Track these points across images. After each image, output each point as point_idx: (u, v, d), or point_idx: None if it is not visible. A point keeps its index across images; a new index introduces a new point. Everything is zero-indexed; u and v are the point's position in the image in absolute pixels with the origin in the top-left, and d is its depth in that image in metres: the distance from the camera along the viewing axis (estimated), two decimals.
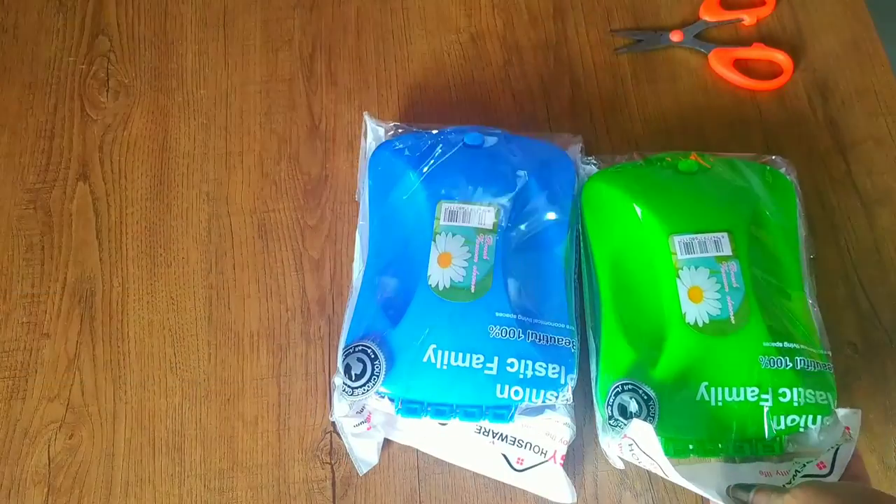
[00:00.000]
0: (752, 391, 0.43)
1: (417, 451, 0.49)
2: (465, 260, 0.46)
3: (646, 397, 0.43)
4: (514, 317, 0.45)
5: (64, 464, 0.50)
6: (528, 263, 0.48)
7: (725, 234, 0.47)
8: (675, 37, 0.61)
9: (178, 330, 0.53)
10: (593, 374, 0.47)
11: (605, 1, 0.63)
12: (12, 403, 0.51)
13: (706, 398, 0.43)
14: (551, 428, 0.45)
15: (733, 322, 0.45)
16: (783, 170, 0.52)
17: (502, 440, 0.46)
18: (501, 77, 0.61)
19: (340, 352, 0.46)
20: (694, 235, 0.47)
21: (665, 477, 0.42)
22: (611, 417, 0.44)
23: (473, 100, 0.60)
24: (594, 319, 0.48)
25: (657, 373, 0.44)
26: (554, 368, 0.45)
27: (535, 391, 0.44)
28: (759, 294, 0.46)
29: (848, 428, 0.42)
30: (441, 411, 0.44)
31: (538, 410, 0.45)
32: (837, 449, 0.42)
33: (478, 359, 0.44)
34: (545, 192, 0.50)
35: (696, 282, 0.46)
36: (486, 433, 0.46)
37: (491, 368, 0.44)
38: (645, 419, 0.42)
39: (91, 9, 0.63)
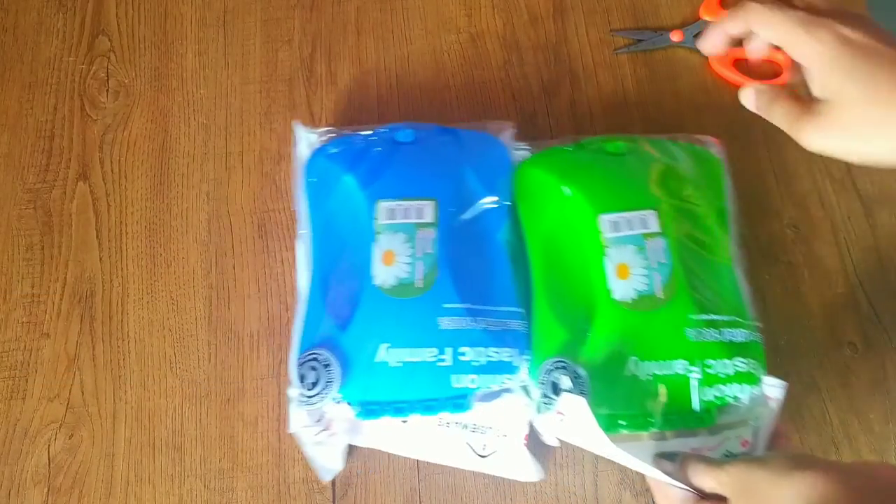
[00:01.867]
0: (681, 364, 0.44)
1: None
2: (409, 256, 0.46)
3: (576, 375, 0.44)
4: (463, 306, 0.45)
5: (64, 464, 0.50)
6: (472, 252, 0.48)
7: (653, 212, 0.47)
8: (675, 37, 0.61)
9: (178, 330, 0.53)
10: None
11: (605, 1, 0.63)
12: (12, 403, 0.51)
13: (635, 372, 0.44)
14: (511, 410, 0.46)
15: (660, 297, 0.45)
16: (713, 149, 0.53)
17: (464, 429, 0.46)
18: (501, 77, 0.61)
19: (293, 363, 0.46)
20: (621, 214, 0.47)
21: (598, 453, 0.42)
22: (544, 396, 0.44)
23: (473, 100, 0.60)
24: (528, 301, 0.49)
25: (587, 350, 0.45)
26: (507, 352, 0.45)
27: (490, 377, 0.44)
28: (686, 268, 0.46)
29: (769, 397, 0.43)
30: (400, 409, 0.44)
31: (496, 395, 0.45)
32: (758, 426, 0.43)
33: (431, 352, 0.44)
34: (482, 180, 0.50)
35: (623, 259, 0.46)
36: (447, 424, 0.46)
37: (445, 360, 0.44)
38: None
39: (91, 9, 0.63)
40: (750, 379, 0.44)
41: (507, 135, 0.54)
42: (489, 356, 0.44)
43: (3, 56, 0.62)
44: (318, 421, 0.46)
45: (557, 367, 0.44)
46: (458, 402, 0.44)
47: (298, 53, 0.61)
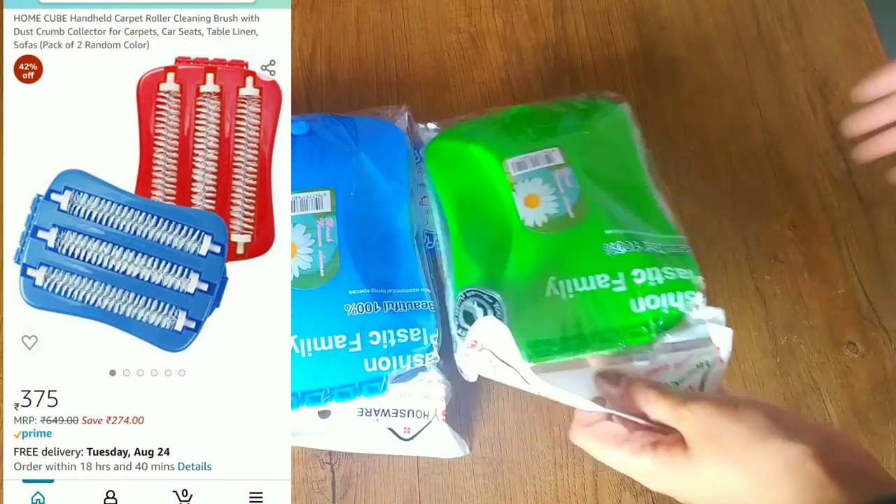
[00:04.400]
0: (603, 278, 0.43)
1: None
2: (310, 247, 0.47)
3: (490, 300, 0.43)
4: (368, 291, 0.46)
5: None
6: (374, 237, 0.49)
7: (557, 149, 0.48)
8: None
9: None
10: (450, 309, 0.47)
11: (605, 0, 0.63)
12: None
13: (556, 293, 0.43)
14: (427, 389, 0.47)
15: (572, 216, 0.45)
16: (613, 98, 0.54)
17: (385, 415, 0.47)
18: (501, 77, 0.61)
19: None
20: (525, 155, 0.48)
21: (528, 389, 0.38)
22: (459, 327, 0.44)
23: (473, 100, 0.60)
24: (448, 258, 0.49)
25: (506, 280, 0.44)
26: (416, 332, 0.46)
27: (401, 357, 0.45)
28: (596, 191, 0.46)
29: (718, 348, 0.40)
30: (316, 398, 0.45)
31: (411, 374, 0.46)
32: (707, 372, 0.40)
33: (340, 339, 0.45)
34: (379, 165, 0.51)
35: (530, 191, 0.47)
36: (368, 413, 0.47)
37: (355, 346, 0.45)
38: None
39: None
40: (683, 286, 0.43)
41: (401, 120, 0.55)
42: (399, 338, 0.45)
43: None
44: None
45: (469, 296, 0.44)
46: (373, 385, 0.45)
47: (298, 53, 0.61)
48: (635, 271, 0.43)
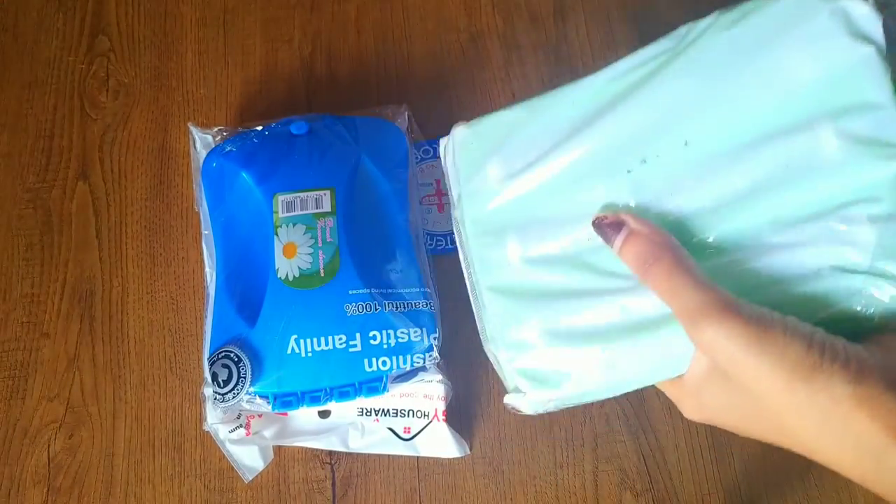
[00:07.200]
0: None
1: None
2: (310, 246, 0.47)
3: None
4: (368, 291, 0.46)
5: (64, 464, 0.50)
6: (374, 237, 0.49)
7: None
8: None
9: (178, 330, 0.53)
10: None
11: (606, 0, 0.63)
12: (12, 403, 0.51)
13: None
14: (428, 389, 0.47)
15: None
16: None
17: (385, 415, 0.48)
18: (501, 77, 0.60)
19: (205, 362, 0.46)
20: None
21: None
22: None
23: (473, 100, 0.60)
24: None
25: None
26: (416, 332, 0.46)
27: (402, 357, 0.46)
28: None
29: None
30: (316, 398, 0.45)
31: (411, 375, 0.47)
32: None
33: (340, 339, 0.45)
34: (379, 165, 0.51)
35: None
36: (368, 413, 0.48)
37: (355, 345, 0.45)
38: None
39: (91, 8, 0.63)
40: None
41: (402, 120, 0.55)
42: (399, 337, 0.46)
43: (2, 55, 0.62)
44: (237, 418, 0.47)
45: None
46: (373, 385, 0.46)
47: (298, 53, 0.61)
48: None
